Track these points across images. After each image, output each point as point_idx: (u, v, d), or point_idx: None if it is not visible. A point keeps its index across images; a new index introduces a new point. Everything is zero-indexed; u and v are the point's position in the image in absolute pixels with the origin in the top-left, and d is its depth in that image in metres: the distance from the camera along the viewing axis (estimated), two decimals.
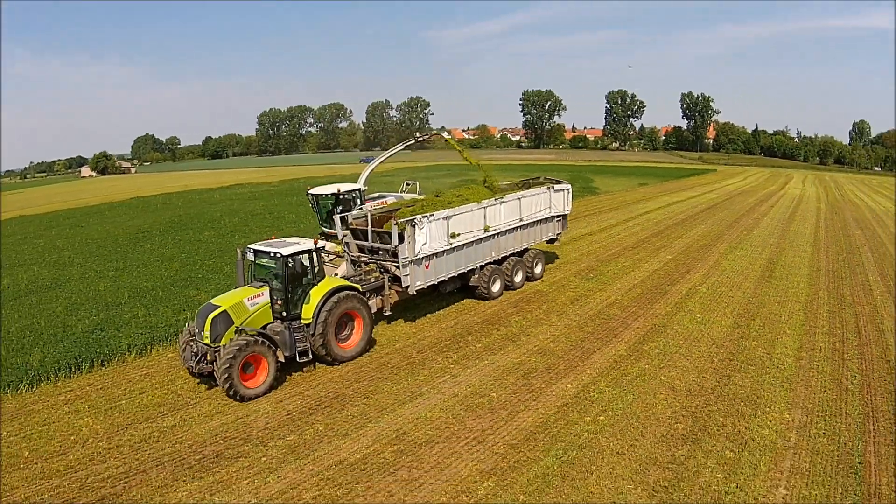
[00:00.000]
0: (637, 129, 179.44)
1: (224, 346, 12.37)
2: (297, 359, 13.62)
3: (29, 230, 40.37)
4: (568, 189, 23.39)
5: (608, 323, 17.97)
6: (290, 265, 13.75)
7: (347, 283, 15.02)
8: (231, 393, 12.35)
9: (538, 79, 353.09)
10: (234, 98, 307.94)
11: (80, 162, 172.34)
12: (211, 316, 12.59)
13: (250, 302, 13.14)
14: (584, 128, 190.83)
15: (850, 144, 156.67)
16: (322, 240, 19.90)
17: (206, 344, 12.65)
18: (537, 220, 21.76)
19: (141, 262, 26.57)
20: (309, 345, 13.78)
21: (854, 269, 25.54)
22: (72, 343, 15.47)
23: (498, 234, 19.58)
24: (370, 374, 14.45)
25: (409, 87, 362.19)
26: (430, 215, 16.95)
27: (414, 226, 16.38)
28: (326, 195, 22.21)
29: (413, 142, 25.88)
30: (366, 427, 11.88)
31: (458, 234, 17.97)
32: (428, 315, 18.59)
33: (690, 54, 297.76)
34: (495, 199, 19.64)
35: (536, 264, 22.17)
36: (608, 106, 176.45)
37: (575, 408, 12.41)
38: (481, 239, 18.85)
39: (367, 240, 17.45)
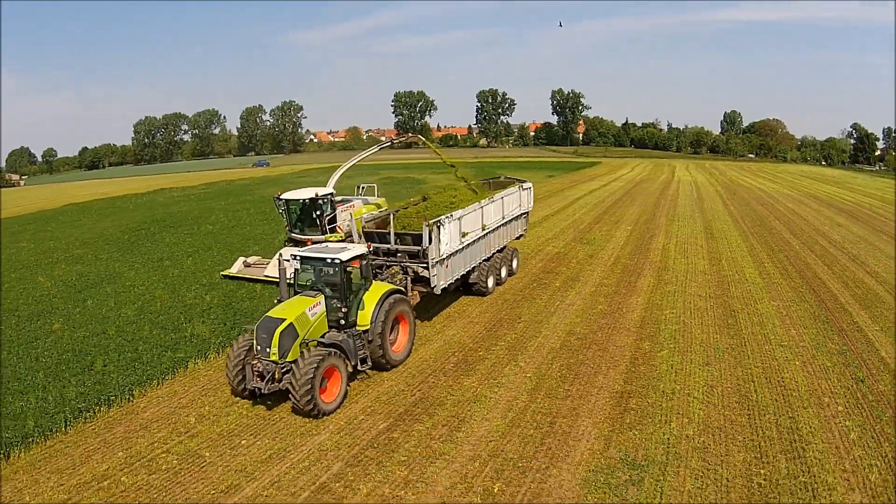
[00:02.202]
0: (506, 125, 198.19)
1: (296, 361, 12.74)
2: (359, 367, 14.38)
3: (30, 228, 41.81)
4: (531, 188, 26.27)
5: (628, 267, 26.47)
6: (349, 271, 14.52)
7: (393, 286, 15.95)
8: (310, 409, 12.60)
9: (410, 79, 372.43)
10: (109, 107, 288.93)
11: None
12: (279, 330, 12.82)
13: (311, 312, 13.55)
14: (447, 126, 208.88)
15: (723, 134, 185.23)
16: (290, 245, 23.40)
17: (272, 361, 12.87)
18: (513, 218, 24.48)
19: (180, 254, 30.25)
20: (367, 352, 14.60)
21: (771, 231, 36.94)
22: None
23: (489, 232, 21.83)
24: (440, 371, 15.43)
25: (282, 90, 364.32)
26: (451, 216, 18.76)
27: (440, 226, 17.98)
28: (301, 200, 24.01)
29: (388, 144, 29.69)
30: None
31: (467, 234, 19.88)
32: (450, 313, 20.56)
33: (557, 51, 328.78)
34: (489, 199, 21.89)
35: (513, 259, 25.09)
36: (479, 104, 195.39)
37: (654, 306, 20.26)
38: (479, 237, 20.94)
39: (382, 242, 18.81)
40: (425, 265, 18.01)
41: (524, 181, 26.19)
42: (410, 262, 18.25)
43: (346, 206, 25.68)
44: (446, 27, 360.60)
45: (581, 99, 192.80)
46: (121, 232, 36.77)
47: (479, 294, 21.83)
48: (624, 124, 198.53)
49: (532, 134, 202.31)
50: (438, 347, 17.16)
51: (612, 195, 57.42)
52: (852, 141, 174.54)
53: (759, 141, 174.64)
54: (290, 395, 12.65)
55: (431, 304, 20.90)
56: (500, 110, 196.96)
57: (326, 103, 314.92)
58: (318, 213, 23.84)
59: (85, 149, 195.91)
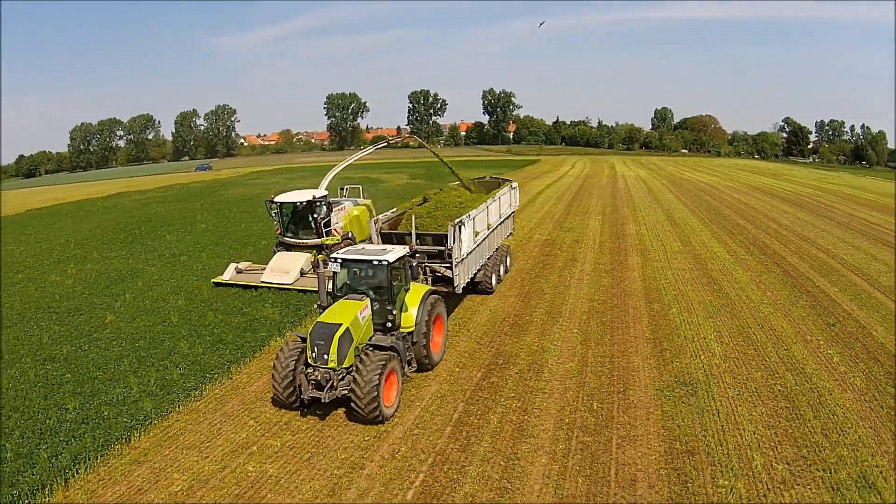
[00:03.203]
0: (436, 126, 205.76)
1: (356, 366, 13.05)
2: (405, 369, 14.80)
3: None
4: (517, 187, 27.95)
5: (614, 249, 30.96)
6: (395, 272, 15.00)
7: (430, 287, 16.70)
8: (375, 416, 12.86)
9: (342, 81, 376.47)
10: (44, 113, 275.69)
11: None
12: (337, 336, 13.01)
13: (360, 316, 13.82)
14: (377, 128, 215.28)
15: (655, 130, 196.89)
16: (281, 249, 24.45)
17: (331, 368, 13.07)
18: (507, 217, 25.98)
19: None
20: (413, 353, 15.11)
21: (725, 218, 42.71)
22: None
23: (492, 231, 23.05)
24: (500, 332, 20.31)
25: (211, 95, 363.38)
26: (469, 215, 19.86)
27: (462, 226, 18.90)
28: (298, 203, 24.71)
29: (384, 144, 32.07)
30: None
31: (479, 233, 21.01)
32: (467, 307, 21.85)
33: (485, 51, 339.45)
34: (492, 199, 23.23)
35: (507, 257, 26.34)
36: (411, 105, 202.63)
37: (649, 278, 24.56)
38: (486, 236, 22.09)
39: (400, 243, 18.76)
40: (449, 265, 18.75)
41: (511, 181, 28.32)
42: (432, 263, 18.88)
43: (337, 208, 26.58)
44: (374, 29, 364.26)
45: (512, 98, 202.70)
46: (112, 232, 37.99)
47: (483, 292, 22.83)
48: (555, 122, 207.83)
49: (463, 134, 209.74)
50: (488, 315, 20.77)
51: (568, 190, 62.57)
52: (784, 135, 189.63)
53: (693, 136, 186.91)
54: (352, 402, 12.88)
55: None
56: (431, 111, 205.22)
57: (256, 107, 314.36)
58: (314, 215, 24.46)
59: (21, 157, 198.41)
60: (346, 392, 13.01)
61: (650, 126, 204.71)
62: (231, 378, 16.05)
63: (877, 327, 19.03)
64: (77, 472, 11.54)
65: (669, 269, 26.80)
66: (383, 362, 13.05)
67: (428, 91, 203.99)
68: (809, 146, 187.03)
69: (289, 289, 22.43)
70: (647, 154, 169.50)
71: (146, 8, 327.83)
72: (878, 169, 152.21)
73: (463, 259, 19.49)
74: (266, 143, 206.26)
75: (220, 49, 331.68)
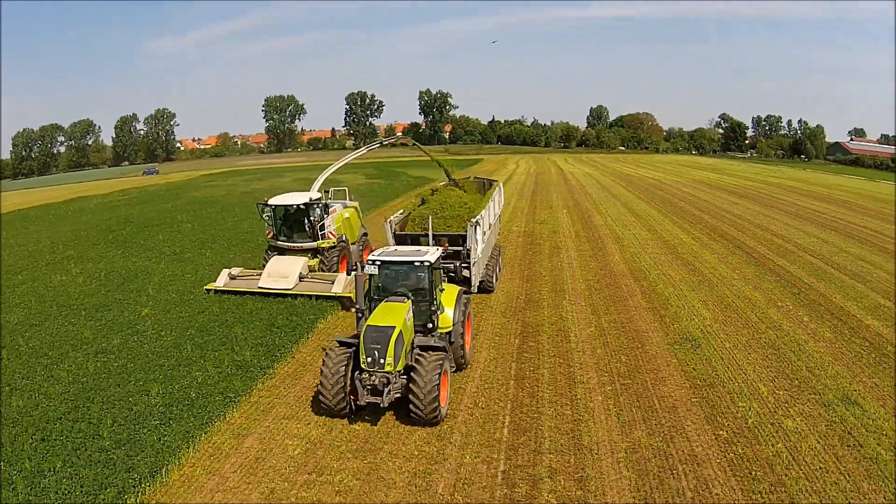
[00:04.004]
0: (372, 127, 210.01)
1: (414, 368, 13.30)
2: None
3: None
4: (502, 187, 29.26)
5: (590, 239, 34.60)
6: (434, 273, 15.33)
7: (460, 287, 17.14)
8: (434, 417, 13.19)
9: (278, 83, 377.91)
10: None
11: None
12: (393, 338, 13.29)
13: (408, 318, 14.13)
14: (311, 130, 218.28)
15: (592, 128, 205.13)
16: (274, 254, 24.42)
17: (387, 372, 13.29)
18: (498, 216, 27.20)
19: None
20: (451, 353, 15.34)
21: (682, 210, 47.43)
22: None
23: (491, 230, 24.16)
24: (519, 308, 23.42)
25: (152, 99, 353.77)
26: (481, 216, 20.81)
27: (478, 225, 19.78)
28: (294, 206, 24.80)
29: (377, 145, 33.27)
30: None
31: (485, 233, 21.97)
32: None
33: (419, 51, 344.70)
34: (492, 199, 24.49)
35: (499, 256, 26.63)
36: (348, 107, 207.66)
37: (630, 262, 28.11)
38: (488, 236, 23.08)
39: (413, 244, 19.71)
40: (467, 265, 19.47)
41: (496, 181, 30.05)
42: (447, 263, 19.04)
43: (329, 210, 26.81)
44: (309, 29, 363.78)
45: (449, 99, 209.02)
46: (97, 233, 38.49)
47: (484, 291, 23.20)
48: (490, 122, 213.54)
49: (399, 134, 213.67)
50: (503, 295, 23.72)
51: (525, 187, 66.54)
52: (720, 130, 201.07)
53: (630, 133, 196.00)
54: (411, 405, 13.12)
55: None
56: (368, 112, 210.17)
57: (191, 110, 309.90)
58: (310, 218, 24.58)
59: None
60: (399, 395, 13.37)
61: (585, 124, 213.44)
62: (294, 357, 18.03)
63: (835, 295, 23.14)
64: (188, 451, 12.58)
65: (645, 254, 30.52)
66: (440, 362, 13.43)
67: (365, 92, 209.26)
68: (747, 141, 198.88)
69: (288, 294, 22.47)
70: (586, 151, 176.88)
71: (75, 9, 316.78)
72: (817, 162, 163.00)
73: (478, 258, 20.65)
74: (203, 146, 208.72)
75: (157, 52, 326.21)
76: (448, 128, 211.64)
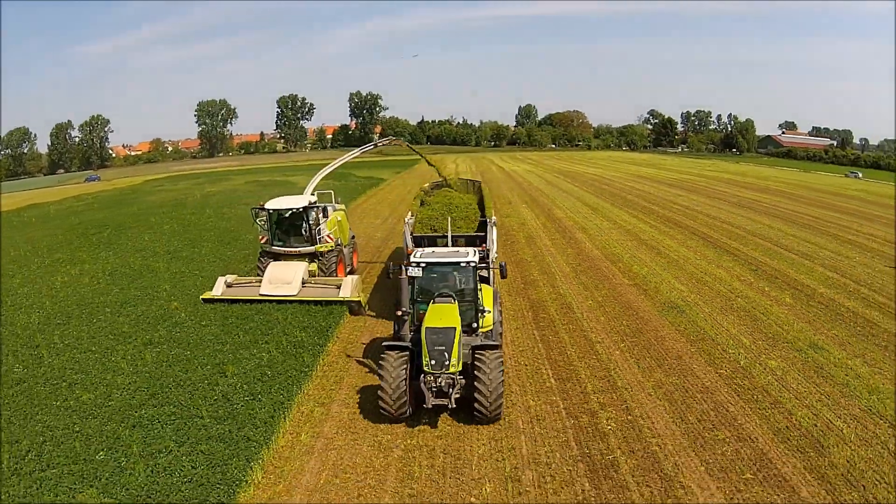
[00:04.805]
0: (302, 130, 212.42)
1: (479, 367, 13.58)
2: None
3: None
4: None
5: (559, 229, 38.21)
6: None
7: (493, 287, 17.55)
8: (498, 413, 13.68)
9: (206, 87, 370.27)
10: None
11: None
12: (457, 339, 13.69)
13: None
14: (238, 133, 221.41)
15: (522, 127, 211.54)
16: (269, 259, 24.08)
17: (452, 373, 13.63)
18: None
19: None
20: None
21: (632, 203, 51.84)
22: None
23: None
24: (521, 288, 29.36)
25: (88, 105, 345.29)
26: (493, 217, 22.04)
27: (494, 225, 20.60)
28: (293, 210, 24.71)
29: (371, 146, 34.24)
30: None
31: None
32: None
33: (350, 52, 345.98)
34: (491, 199, 25.88)
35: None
36: (279, 110, 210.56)
37: (601, 248, 31.70)
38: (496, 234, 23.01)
39: (430, 245, 19.69)
40: (486, 265, 19.37)
41: (478, 180, 30.97)
42: None
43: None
44: (229, 33, 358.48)
45: (379, 100, 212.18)
46: (76, 237, 38.94)
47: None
48: (420, 122, 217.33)
49: (329, 137, 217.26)
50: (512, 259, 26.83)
51: None
52: (649, 126, 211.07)
53: (561, 131, 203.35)
54: (476, 403, 13.49)
55: None
56: (299, 115, 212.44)
57: (120, 116, 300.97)
58: (308, 222, 24.61)
59: None
60: (458, 395, 13.71)
61: (514, 123, 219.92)
62: (339, 337, 20.13)
63: (789, 270, 27.42)
64: (283, 420, 14.05)
65: (613, 241, 34.28)
66: (501, 360, 13.90)
67: (296, 95, 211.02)
68: (677, 136, 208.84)
69: (293, 301, 22.30)
70: (519, 150, 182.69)
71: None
72: (749, 156, 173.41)
73: (496, 257, 20.87)
74: (134, 153, 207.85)
75: (81, 58, 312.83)
76: (378, 129, 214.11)
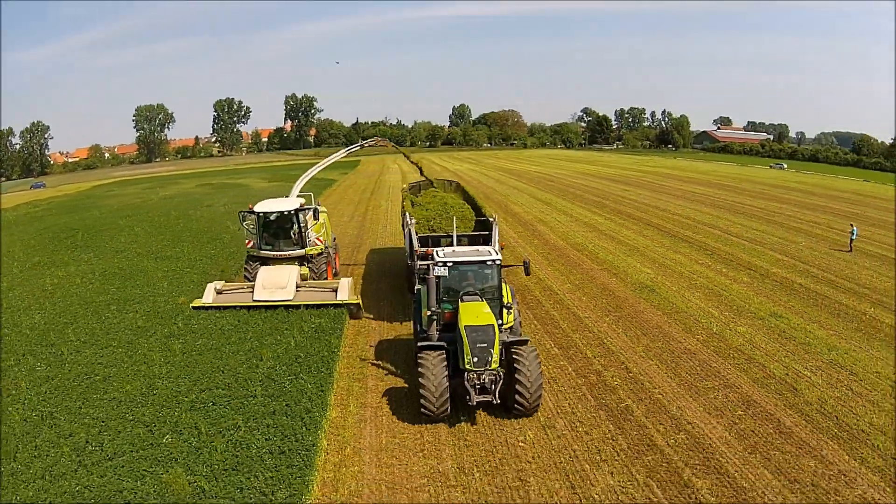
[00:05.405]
0: (239, 134, 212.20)
1: (519, 363, 14.00)
2: None
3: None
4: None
5: (520, 222, 40.60)
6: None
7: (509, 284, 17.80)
8: (537, 405, 14.23)
9: (151, 92, 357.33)
10: None
11: None
12: (497, 337, 14.08)
13: None
14: (174, 138, 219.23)
15: (457, 127, 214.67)
16: (257, 264, 24.10)
17: (493, 370, 13.98)
18: None
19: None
20: None
21: (583, 198, 55.03)
22: None
23: None
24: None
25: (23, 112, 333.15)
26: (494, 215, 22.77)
27: (497, 226, 21.40)
28: (283, 212, 24.47)
29: (357, 147, 35.40)
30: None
31: None
32: None
33: (283, 54, 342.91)
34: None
35: None
36: (216, 113, 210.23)
37: (567, 240, 34.18)
38: None
39: (434, 245, 20.23)
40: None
41: (455, 181, 32.65)
42: None
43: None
44: (166, 37, 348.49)
45: (314, 102, 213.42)
46: (48, 241, 39.11)
47: None
48: (354, 124, 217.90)
49: (265, 140, 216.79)
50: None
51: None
52: (583, 124, 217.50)
53: (497, 131, 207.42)
54: (518, 396, 14.00)
55: None
56: (236, 118, 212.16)
57: (53, 123, 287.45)
58: (300, 225, 24.53)
59: None
60: (518, 388, 14.06)
61: (448, 123, 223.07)
62: (350, 323, 21.74)
63: (741, 255, 30.99)
64: (328, 396, 15.31)
65: (573, 232, 37.01)
66: (536, 353, 14.39)
67: (232, 99, 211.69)
68: (613, 134, 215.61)
69: (289, 306, 22.08)
70: (455, 150, 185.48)
71: None
72: (685, 151, 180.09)
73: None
74: (72, 159, 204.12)
75: (14, 65, 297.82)
76: (313, 131, 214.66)
